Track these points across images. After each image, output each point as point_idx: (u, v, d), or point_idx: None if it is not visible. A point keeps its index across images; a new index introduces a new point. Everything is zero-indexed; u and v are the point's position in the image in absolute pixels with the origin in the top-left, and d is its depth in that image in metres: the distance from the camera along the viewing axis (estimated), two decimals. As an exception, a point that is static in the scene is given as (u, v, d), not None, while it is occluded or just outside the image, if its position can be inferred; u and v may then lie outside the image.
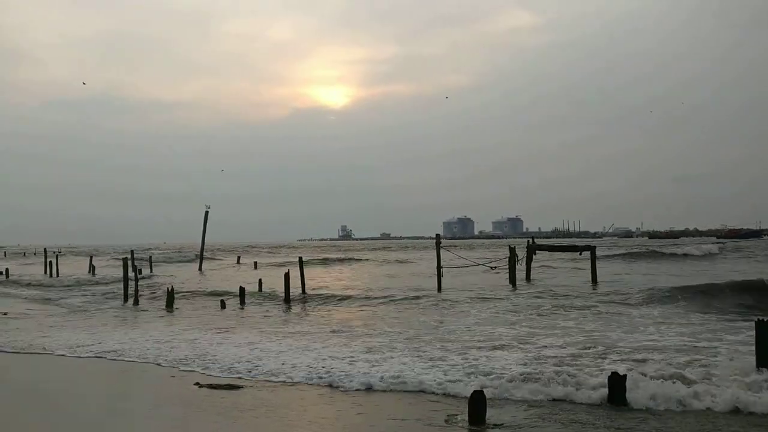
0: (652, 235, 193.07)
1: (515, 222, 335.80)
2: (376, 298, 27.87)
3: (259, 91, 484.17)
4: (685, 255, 57.17)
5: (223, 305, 26.80)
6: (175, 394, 11.85)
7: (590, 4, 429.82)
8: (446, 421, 9.49)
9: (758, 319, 11.76)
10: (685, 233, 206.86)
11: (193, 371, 13.71)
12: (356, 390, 11.71)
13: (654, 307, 22.04)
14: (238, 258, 70.10)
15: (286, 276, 28.29)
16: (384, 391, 11.66)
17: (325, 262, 63.66)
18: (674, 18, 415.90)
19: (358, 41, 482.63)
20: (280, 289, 28.70)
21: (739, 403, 9.80)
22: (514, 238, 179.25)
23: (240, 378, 12.90)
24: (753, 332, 11.76)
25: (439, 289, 30.32)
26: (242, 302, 27.83)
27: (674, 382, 10.70)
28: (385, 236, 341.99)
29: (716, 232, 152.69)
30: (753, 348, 11.69)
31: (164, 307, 27.53)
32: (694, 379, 11.03)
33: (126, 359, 15.45)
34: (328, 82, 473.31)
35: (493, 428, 9.05)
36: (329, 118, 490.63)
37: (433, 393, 11.34)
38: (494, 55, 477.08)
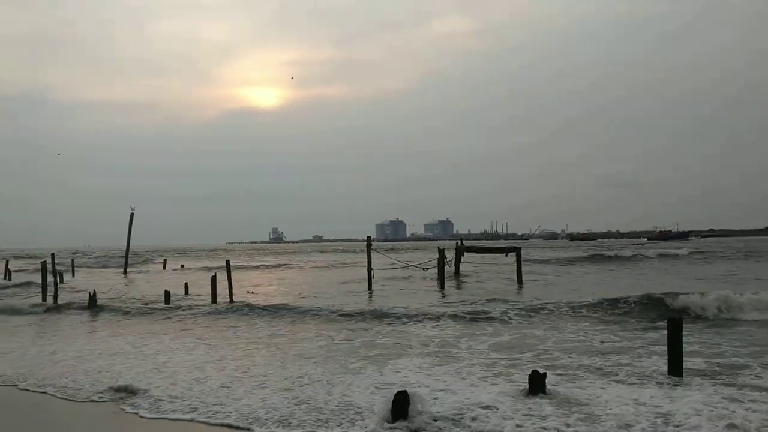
0: (573, 237, 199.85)
1: (446, 224, 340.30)
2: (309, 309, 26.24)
3: (191, 91, 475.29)
4: (616, 256, 59.04)
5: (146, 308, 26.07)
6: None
7: (528, 13, 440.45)
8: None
9: (671, 317, 12.28)
10: (608, 235, 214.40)
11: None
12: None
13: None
14: (165, 262, 68.38)
15: (213, 280, 27.78)
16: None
17: (256, 267, 62.67)
18: (613, 31, 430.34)
19: (293, 43, 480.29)
20: (207, 293, 28.16)
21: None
22: (444, 240, 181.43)
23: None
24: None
25: (370, 287, 30.62)
26: (167, 302, 27.25)
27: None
28: (318, 239, 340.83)
29: (648, 233, 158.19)
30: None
31: (85, 311, 26.56)
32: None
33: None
34: (262, 84, 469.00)
35: None
36: (262, 119, 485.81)
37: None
38: (430, 60, 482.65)
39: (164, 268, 63.78)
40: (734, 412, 9.30)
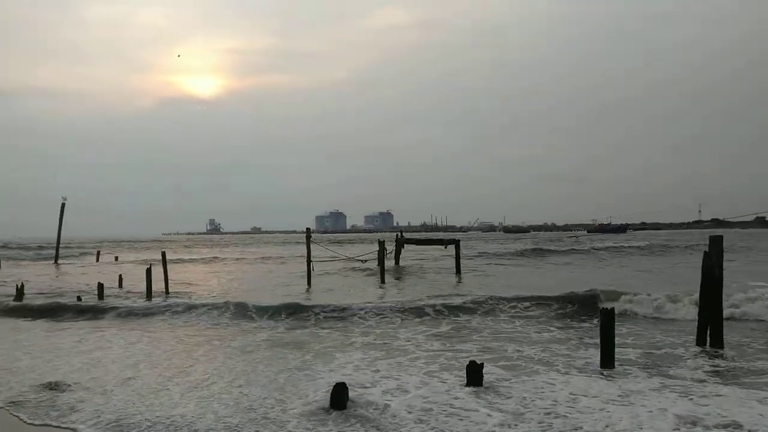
0: (507, 229, 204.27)
1: (386, 216, 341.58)
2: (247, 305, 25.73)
3: (126, 79, 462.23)
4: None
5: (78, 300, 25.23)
6: None
7: (473, 8, 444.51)
8: None
9: (602, 307, 12.64)
10: (544, 228, 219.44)
11: None
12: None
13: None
14: (98, 253, 66.44)
15: (148, 272, 27.15)
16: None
17: (193, 260, 61.49)
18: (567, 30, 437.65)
19: (233, 31, 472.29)
20: (141, 286, 27.52)
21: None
22: (385, 232, 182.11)
23: None
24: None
25: (309, 281, 30.44)
26: (101, 297, 26.50)
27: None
28: (256, 230, 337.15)
29: (587, 226, 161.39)
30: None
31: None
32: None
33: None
34: (201, 72, 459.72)
35: None
36: (200, 108, 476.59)
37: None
38: (373, 52, 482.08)
39: (97, 260, 61.83)
40: (660, 402, 9.71)
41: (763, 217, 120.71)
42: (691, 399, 9.75)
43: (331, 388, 9.80)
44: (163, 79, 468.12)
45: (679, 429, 8.33)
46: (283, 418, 9.37)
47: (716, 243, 14.42)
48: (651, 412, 9.05)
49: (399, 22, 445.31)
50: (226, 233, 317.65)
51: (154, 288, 26.66)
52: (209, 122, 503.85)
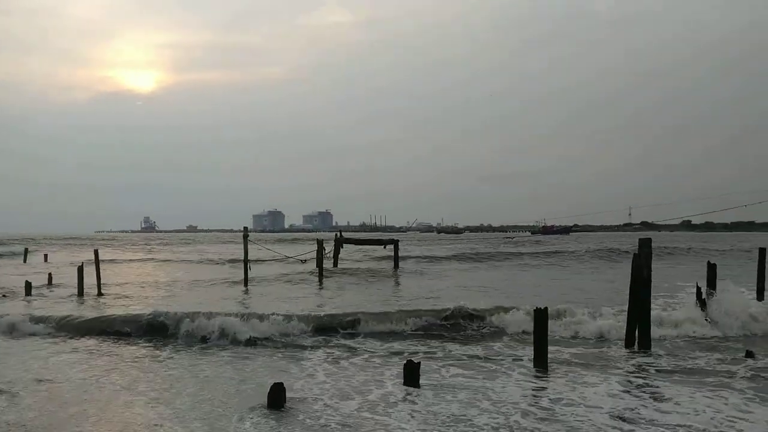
0: (440, 230, 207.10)
1: (325, 216, 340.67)
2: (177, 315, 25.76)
3: (60, 70, 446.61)
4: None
5: None
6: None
7: (412, 6, 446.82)
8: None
9: (536, 307, 12.91)
10: (480, 229, 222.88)
11: None
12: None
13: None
14: (26, 251, 63.94)
15: (80, 270, 26.38)
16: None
17: (125, 261, 59.85)
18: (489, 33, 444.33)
19: (170, 25, 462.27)
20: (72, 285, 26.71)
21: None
22: (323, 231, 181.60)
23: None
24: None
25: (246, 283, 30.04)
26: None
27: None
28: (192, 229, 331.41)
29: (531, 227, 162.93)
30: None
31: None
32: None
33: None
34: (137, 66, 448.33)
35: None
36: (136, 103, 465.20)
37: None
38: (312, 49, 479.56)
39: (25, 261, 59.38)
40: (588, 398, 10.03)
41: (689, 221, 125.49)
42: (614, 397, 10.14)
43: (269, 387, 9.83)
44: (98, 73, 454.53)
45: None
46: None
47: (645, 245, 14.90)
48: (584, 409, 9.35)
49: (341, 20, 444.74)
50: (161, 231, 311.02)
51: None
52: (146, 117, 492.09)
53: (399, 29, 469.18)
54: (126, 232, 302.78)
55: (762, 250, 23.00)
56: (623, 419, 8.85)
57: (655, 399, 9.98)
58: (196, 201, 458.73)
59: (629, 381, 11.33)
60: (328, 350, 14.55)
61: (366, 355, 13.95)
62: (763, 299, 21.26)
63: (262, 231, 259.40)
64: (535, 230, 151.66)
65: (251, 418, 9.11)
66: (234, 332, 15.90)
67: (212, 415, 9.37)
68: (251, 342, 15.50)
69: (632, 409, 9.35)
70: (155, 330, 16.89)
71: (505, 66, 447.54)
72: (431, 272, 37.10)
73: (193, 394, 10.58)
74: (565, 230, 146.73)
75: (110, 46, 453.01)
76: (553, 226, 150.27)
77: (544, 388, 10.73)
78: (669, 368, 12.43)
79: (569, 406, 9.52)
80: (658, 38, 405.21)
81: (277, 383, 9.86)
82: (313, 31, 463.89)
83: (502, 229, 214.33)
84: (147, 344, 15.64)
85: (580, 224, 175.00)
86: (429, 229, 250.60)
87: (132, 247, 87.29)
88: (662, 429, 8.44)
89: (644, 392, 10.44)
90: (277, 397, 9.69)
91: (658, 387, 10.79)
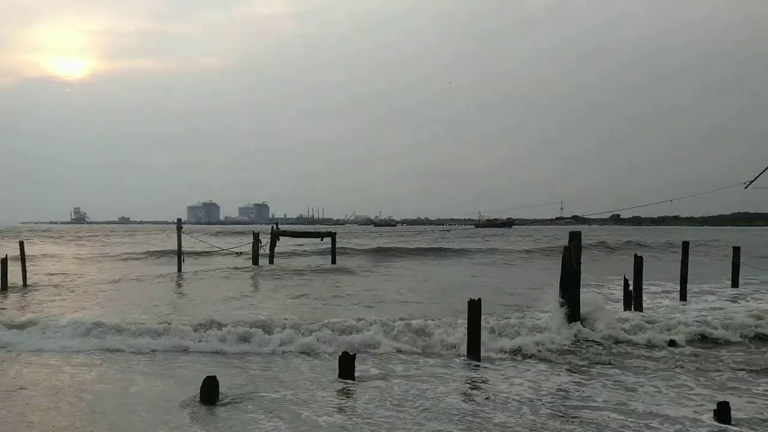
0: (376, 223, 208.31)
1: (262, 208, 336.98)
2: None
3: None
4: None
5: None
6: None
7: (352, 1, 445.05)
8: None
9: (470, 298, 13.11)
10: (417, 222, 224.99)
11: None
12: None
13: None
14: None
15: (3, 263, 25.33)
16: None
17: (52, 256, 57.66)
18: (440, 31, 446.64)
19: (102, 10, 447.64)
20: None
21: None
22: (260, 224, 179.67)
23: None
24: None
25: (179, 268, 29.64)
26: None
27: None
28: (125, 220, 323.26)
29: (475, 221, 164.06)
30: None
31: None
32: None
33: None
34: (67, 52, 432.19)
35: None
36: (64, 90, 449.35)
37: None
38: (251, 40, 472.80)
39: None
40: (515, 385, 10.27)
41: (618, 215, 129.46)
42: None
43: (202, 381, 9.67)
44: (24, 58, 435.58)
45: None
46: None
47: (575, 237, 15.40)
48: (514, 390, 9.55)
49: (275, 11, 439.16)
50: (92, 222, 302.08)
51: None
52: (76, 105, 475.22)
53: (330, 20, 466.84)
54: (55, 222, 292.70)
55: (685, 244, 23.96)
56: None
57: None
58: (129, 192, 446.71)
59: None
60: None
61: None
62: (686, 299, 22.15)
63: (197, 223, 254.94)
64: (479, 224, 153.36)
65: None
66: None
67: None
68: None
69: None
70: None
71: (450, 68, 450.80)
72: (371, 268, 36.31)
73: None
74: (508, 223, 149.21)
75: (38, 30, 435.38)
76: (496, 220, 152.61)
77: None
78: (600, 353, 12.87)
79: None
80: (602, 45, 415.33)
81: (210, 376, 9.71)
82: (246, 21, 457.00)
83: (439, 222, 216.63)
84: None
85: (513, 218, 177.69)
86: (367, 222, 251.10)
87: (62, 240, 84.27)
88: None
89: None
90: (210, 392, 9.51)
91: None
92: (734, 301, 21.74)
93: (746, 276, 26.84)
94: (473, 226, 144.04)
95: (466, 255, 47.25)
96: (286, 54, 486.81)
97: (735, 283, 25.63)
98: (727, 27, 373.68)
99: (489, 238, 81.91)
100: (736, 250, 26.73)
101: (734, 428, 8.44)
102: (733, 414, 8.66)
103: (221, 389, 9.71)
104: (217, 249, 41.38)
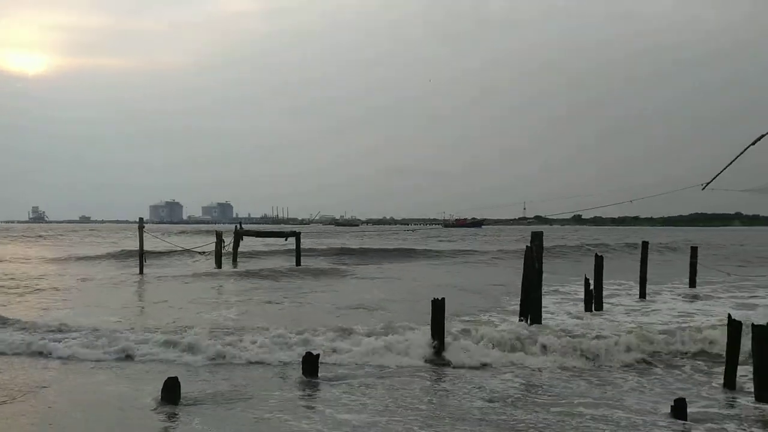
0: (339, 223, 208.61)
1: (225, 207, 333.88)
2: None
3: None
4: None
5: None
6: None
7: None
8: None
9: (434, 298, 13.18)
10: (383, 221, 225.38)
11: None
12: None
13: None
14: None
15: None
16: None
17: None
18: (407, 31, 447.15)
19: (62, 6, 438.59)
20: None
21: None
22: (224, 223, 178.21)
23: None
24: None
25: (141, 270, 29.19)
26: None
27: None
28: (85, 220, 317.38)
29: (441, 221, 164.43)
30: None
31: None
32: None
33: None
34: (22, 47, 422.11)
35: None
36: (17, 85, 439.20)
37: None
38: (213, 37, 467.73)
39: None
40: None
41: (580, 215, 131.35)
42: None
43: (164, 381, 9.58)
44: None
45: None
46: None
47: (537, 237, 15.64)
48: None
49: (243, 9, 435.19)
50: (51, 222, 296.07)
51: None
52: (34, 102, 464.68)
53: (301, 18, 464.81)
54: (12, 222, 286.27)
55: (644, 244, 24.46)
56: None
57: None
58: (90, 191, 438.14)
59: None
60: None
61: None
62: (644, 297, 22.63)
63: (160, 222, 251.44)
64: (448, 223, 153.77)
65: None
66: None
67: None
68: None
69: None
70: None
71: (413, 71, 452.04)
72: (337, 272, 35.10)
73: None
74: (477, 223, 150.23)
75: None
76: (465, 220, 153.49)
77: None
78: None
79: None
80: (543, 40, 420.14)
81: (172, 377, 9.61)
82: (212, 18, 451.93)
83: (405, 222, 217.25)
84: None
85: (477, 218, 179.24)
86: (333, 221, 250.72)
87: (17, 239, 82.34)
88: None
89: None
90: (171, 393, 9.43)
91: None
92: (690, 301, 22.27)
93: (706, 276, 27.52)
94: (442, 226, 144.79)
95: (429, 255, 47.38)
96: (253, 52, 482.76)
97: (692, 283, 26.20)
98: (709, 33, 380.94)
99: (459, 238, 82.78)
100: (694, 251, 27.35)
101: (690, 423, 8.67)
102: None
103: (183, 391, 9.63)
104: (180, 249, 40.93)
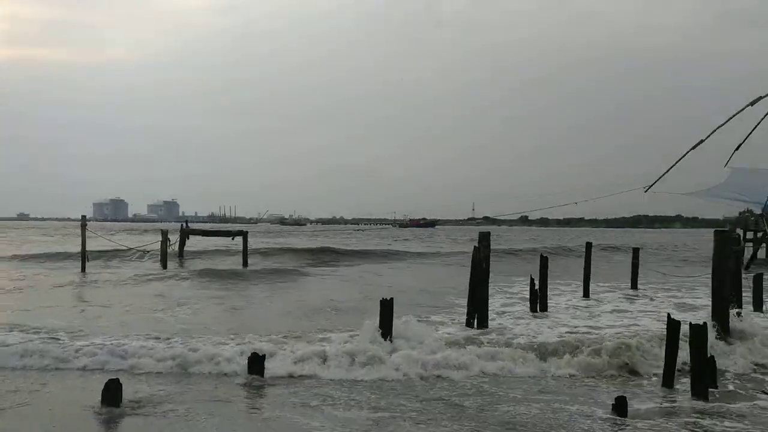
0: (283, 222, 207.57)
1: (171, 205, 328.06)
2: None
3: None
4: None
5: None
6: None
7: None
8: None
9: (383, 298, 13.20)
10: (333, 221, 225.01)
11: None
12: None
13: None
14: None
15: None
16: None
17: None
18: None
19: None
20: None
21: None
22: (169, 222, 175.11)
23: None
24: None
25: (83, 269, 28.39)
26: None
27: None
28: (24, 217, 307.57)
29: (399, 221, 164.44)
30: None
31: None
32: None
33: None
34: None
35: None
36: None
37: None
38: (158, 31, 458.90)
39: None
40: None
41: (527, 216, 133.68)
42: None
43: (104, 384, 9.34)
44: None
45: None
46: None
47: (484, 238, 15.88)
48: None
49: (193, 4, 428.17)
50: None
51: None
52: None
53: (249, 17, 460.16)
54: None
55: (588, 245, 25.02)
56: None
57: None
58: (28, 187, 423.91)
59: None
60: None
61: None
62: (588, 296, 23.17)
63: (104, 220, 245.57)
64: (403, 224, 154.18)
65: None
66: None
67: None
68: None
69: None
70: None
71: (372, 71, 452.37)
72: (285, 275, 32.55)
73: None
74: (431, 224, 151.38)
75: None
76: (419, 220, 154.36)
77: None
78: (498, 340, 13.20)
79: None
80: (494, 43, 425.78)
81: (113, 379, 9.37)
82: (158, 13, 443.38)
83: (355, 221, 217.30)
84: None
85: (427, 218, 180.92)
86: (281, 221, 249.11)
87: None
88: None
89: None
90: (113, 395, 9.19)
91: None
92: (631, 301, 22.85)
93: (646, 276, 28.28)
94: (397, 226, 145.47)
95: (388, 256, 47.20)
96: (202, 49, 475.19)
97: (634, 283, 26.86)
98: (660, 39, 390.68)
99: (416, 238, 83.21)
100: (636, 251, 28.05)
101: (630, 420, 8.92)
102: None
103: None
104: (124, 248, 39.97)
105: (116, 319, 17.34)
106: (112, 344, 12.65)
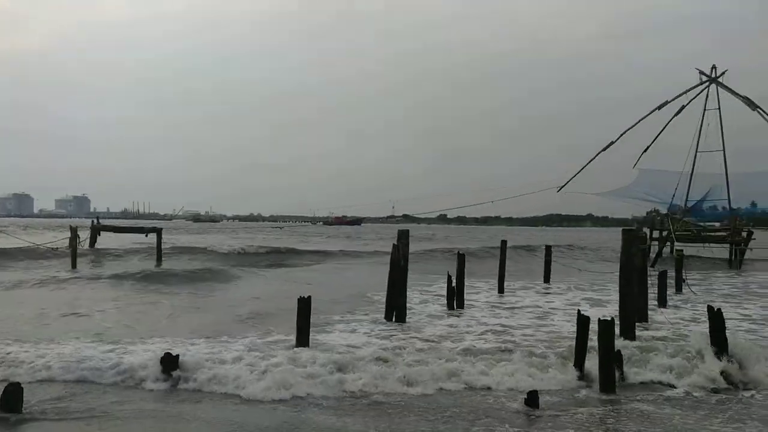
0: (197, 219, 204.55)
1: (82, 201, 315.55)
2: None
3: None
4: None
5: None
6: None
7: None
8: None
9: (300, 296, 13.09)
10: (250, 218, 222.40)
11: None
12: None
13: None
14: None
15: None
16: None
17: None
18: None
19: None
20: None
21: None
22: (80, 218, 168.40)
23: None
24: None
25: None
26: None
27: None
28: None
29: (324, 219, 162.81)
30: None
31: None
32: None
33: None
34: None
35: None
36: None
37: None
38: (72, 20, 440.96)
39: None
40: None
41: (445, 215, 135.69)
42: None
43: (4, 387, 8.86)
44: None
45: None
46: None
47: (403, 236, 16.05)
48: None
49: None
50: None
51: None
52: None
53: (174, 15, 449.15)
54: None
55: (503, 243, 25.63)
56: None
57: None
58: None
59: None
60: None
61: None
62: (503, 292, 23.73)
63: (7, 216, 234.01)
64: (328, 221, 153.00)
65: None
66: None
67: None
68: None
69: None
70: None
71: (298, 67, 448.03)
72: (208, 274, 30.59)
73: None
74: (357, 221, 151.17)
75: None
76: (344, 218, 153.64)
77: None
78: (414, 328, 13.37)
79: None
80: (425, 44, 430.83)
81: (13, 383, 8.92)
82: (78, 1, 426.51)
83: (273, 219, 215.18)
84: None
85: (347, 216, 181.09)
86: (196, 217, 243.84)
87: None
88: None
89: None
90: (12, 400, 8.71)
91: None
92: (544, 296, 23.58)
93: (559, 272, 29.24)
94: (322, 224, 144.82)
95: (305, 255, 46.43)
96: (115, 39, 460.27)
97: (547, 279, 27.71)
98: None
99: (343, 235, 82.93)
100: (548, 249, 28.98)
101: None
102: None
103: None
104: (29, 245, 38.13)
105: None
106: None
